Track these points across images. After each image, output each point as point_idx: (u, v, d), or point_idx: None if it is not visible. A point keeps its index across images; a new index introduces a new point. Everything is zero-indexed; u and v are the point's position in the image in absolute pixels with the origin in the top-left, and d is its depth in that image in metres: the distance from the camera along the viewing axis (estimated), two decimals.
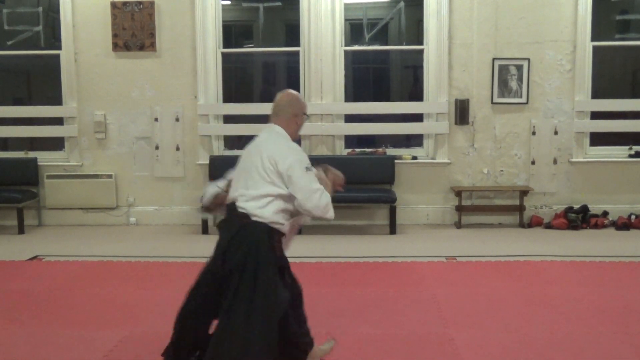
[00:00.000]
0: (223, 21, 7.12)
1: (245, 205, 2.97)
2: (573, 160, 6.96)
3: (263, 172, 2.97)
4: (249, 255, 2.92)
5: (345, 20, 7.07)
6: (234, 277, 2.92)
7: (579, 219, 6.72)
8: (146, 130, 7.13)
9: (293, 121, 3.19)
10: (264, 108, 7.72)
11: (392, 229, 6.64)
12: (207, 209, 3.31)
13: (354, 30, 7.36)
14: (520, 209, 6.89)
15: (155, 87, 7.07)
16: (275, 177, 2.96)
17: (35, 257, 5.70)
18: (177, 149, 7.11)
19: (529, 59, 6.83)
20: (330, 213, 3.04)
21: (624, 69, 7.62)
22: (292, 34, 7.23)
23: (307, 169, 3.01)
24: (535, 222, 6.88)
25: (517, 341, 3.59)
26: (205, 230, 6.71)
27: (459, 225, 6.88)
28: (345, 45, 7.09)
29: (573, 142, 6.97)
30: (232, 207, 3.02)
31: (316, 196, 2.95)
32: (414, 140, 7.32)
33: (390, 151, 7.17)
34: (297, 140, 3.26)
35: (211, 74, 7.06)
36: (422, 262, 5.40)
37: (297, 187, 2.94)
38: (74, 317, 4.06)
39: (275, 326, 2.93)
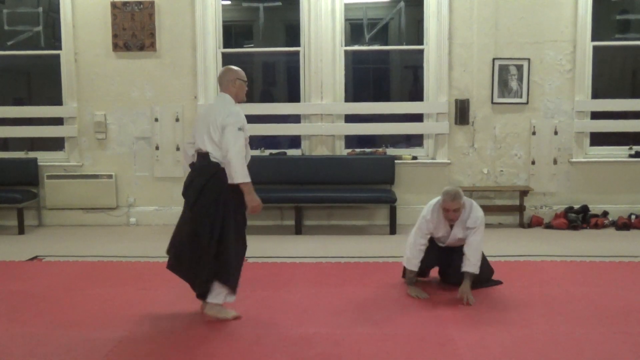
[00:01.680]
0: (223, 21, 7.12)
1: (208, 149, 3.82)
2: (573, 160, 6.96)
3: (216, 126, 3.80)
4: (207, 183, 3.82)
5: (346, 20, 7.08)
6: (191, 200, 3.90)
7: (579, 219, 6.72)
8: (146, 130, 7.13)
9: (232, 86, 3.96)
10: (264, 108, 7.82)
11: (392, 229, 6.64)
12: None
13: (354, 30, 7.36)
14: (521, 209, 6.89)
15: (155, 87, 7.07)
16: (222, 129, 3.79)
17: (35, 258, 5.70)
18: (177, 149, 7.10)
19: (529, 59, 6.83)
20: (240, 177, 3.75)
21: (624, 69, 7.62)
22: (292, 34, 7.23)
23: (239, 129, 3.79)
24: (535, 222, 6.88)
25: (517, 341, 3.59)
26: None
27: None
28: (345, 45, 7.09)
29: (573, 142, 6.97)
30: (200, 153, 3.90)
31: (235, 152, 3.73)
32: (414, 140, 7.32)
33: (390, 151, 7.17)
34: (243, 102, 4.06)
35: (211, 74, 7.06)
36: None
37: (225, 138, 3.75)
38: (74, 317, 4.06)
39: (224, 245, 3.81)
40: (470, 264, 4.30)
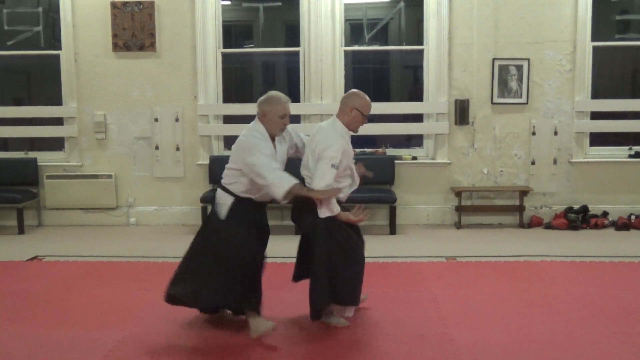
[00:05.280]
0: (223, 21, 7.12)
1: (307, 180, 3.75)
2: (573, 160, 6.96)
3: (314, 156, 3.71)
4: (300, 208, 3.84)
5: (345, 20, 7.07)
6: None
7: (579, 219, 6.72)
8: (146, 130, 7.13)
9: (347, 115, 3.81)
10: None
11: (392, 229, 6.64)
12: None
13: (354, 30, 7.36)
14: (520, 209, 6.89)
15: (155, 87, 7.07)
16: (317, 160, 3.67)
17: (35, 257, 5.70)
18: (177, 149, 7.11)
19: (529, 59, 6.83)
20: (328, 212, 3.73)
21: (624, 69, 7.62)
22: (292, 34, 7.23)
23: (333, 165, 3.65)
24: (535, 223, 6.88)
25: (517, 341, 3.59)
26: None
27: (459, 225, 6.88)
28: (345, 46, 7.09)
29: (573, 142, 6.97)
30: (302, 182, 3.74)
31: (321, 187, 3.63)
32: (414, 141, 7.32)
33: (390, 151, 7.17)
34: (354, 133, 3.94)
35: (211, 74, 7.06)
36: (422, 262, 5.40)
37: (318, 171, 3.64)
38: (74, 317, 4.06)
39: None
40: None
